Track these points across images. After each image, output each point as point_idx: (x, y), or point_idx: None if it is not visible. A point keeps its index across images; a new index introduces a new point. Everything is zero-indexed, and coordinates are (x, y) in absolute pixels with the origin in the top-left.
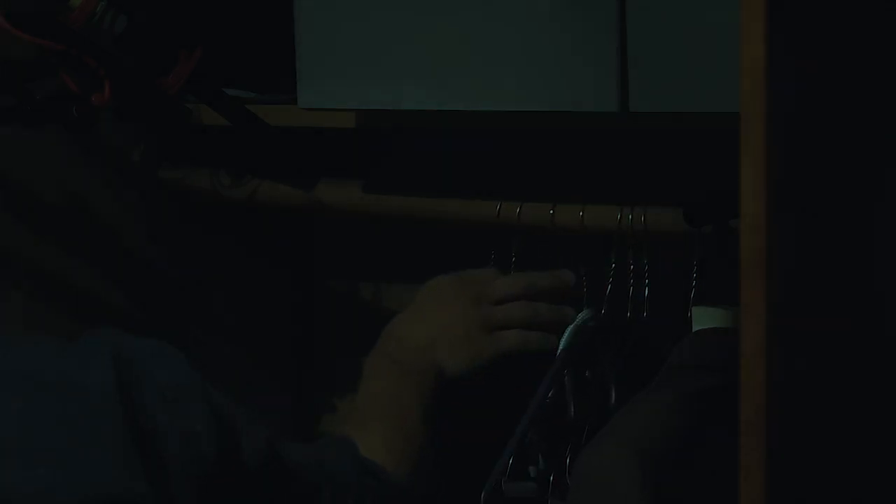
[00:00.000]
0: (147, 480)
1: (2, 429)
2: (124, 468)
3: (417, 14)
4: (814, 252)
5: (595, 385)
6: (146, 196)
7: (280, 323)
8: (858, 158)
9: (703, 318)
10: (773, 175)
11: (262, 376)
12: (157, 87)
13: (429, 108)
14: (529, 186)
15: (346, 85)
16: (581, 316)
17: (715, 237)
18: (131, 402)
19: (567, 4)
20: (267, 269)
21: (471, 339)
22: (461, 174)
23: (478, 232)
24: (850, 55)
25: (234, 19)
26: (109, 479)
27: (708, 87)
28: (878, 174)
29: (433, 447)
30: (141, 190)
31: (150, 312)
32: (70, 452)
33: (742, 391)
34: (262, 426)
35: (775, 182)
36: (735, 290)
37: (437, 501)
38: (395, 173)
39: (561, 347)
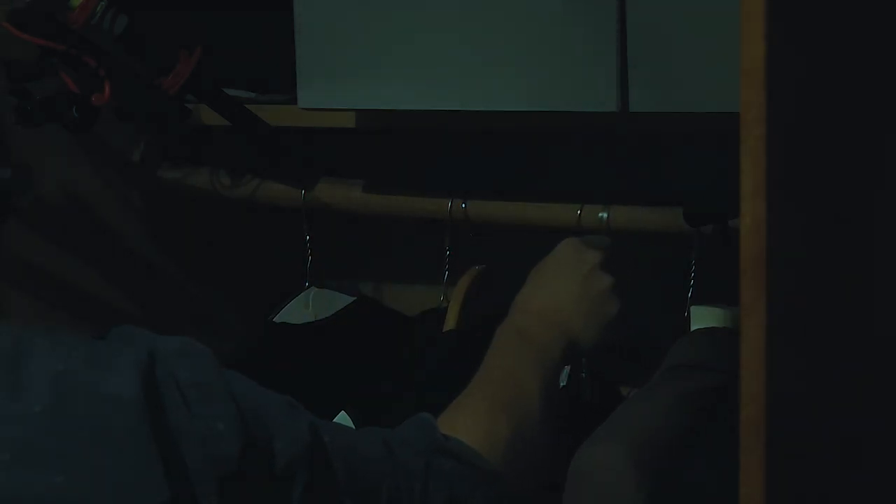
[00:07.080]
0: (169, 484)
1: (26, 431)
2: (146, 473)
3: (417, 14)
4: (814, 252)
5: (593, 384)
6: (146, 196)
7: None
8: (858, 157)
9: (702, 318)
10: (773, 175)
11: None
12: (157, 87)
13: (428, 109)
14: (529, 186)
15: (346, 85)
16: None
17: (715, 237)
18: (155, 404)
19: (567, 5)
20: (266, 269)
21: (598, 307)
22: (461, 174)
23: (477, 231)
24: (849, 54)
25: (233, 19)
26: (132, 484)
27: (708, 87)
28: (878, 173)
29: (548, 433)
30: (141, 190)
31: (149, 312)
32: (93, 458)
33: (742, 391)
34: (305, 414)
35: (775, 182)
36: (735, 290)
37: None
38: (395, 173)
39: None
